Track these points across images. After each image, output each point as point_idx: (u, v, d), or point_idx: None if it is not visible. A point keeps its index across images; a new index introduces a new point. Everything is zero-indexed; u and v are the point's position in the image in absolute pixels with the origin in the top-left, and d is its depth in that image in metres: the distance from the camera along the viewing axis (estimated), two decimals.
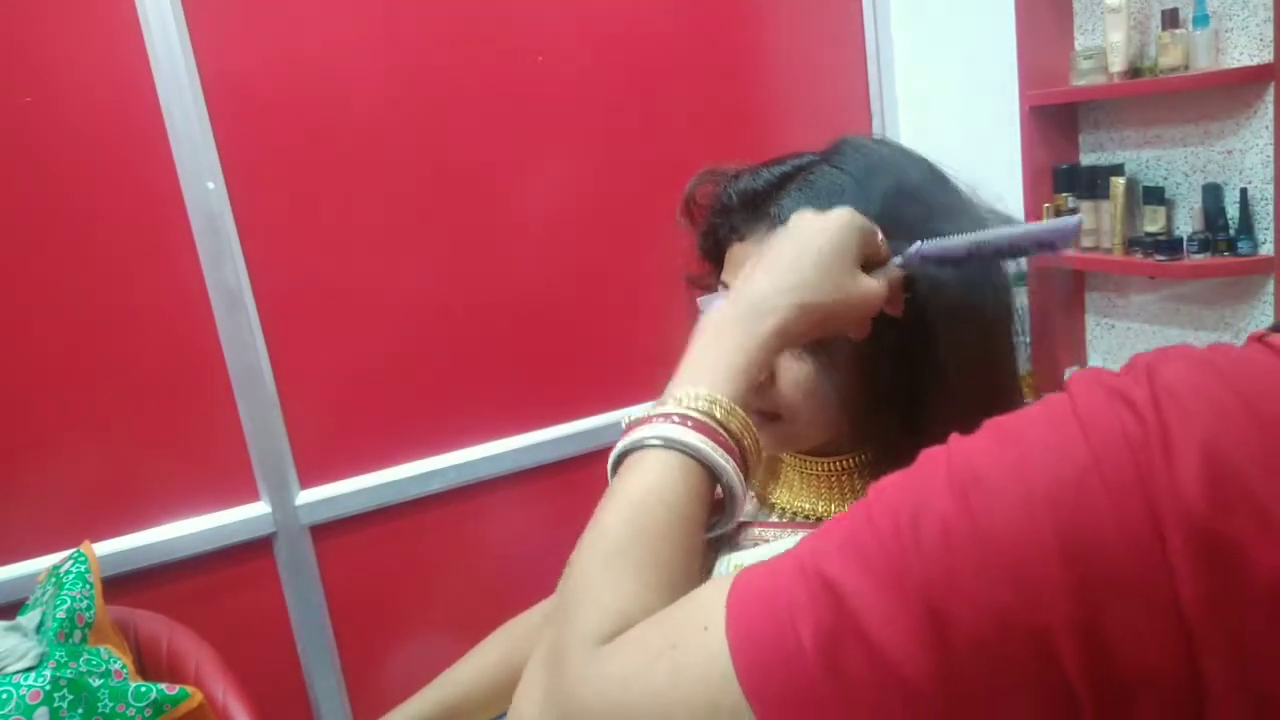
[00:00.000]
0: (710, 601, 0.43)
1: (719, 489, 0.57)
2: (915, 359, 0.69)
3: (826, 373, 0.71)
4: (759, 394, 0.74)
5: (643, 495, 0.53)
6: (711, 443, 0.54)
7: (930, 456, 0.42)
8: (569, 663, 0.46)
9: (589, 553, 0.52)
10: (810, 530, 0.77)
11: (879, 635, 0.37)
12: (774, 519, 0.84)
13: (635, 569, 0.50)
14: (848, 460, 0.78)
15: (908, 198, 0.70)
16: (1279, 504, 0.34)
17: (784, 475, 0.84)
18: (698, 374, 0.57)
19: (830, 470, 0.79)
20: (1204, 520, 0.34)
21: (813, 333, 0.61)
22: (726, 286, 0.75)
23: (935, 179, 0.74)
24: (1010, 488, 0.37)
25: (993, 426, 0.41)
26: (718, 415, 0.55)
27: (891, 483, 0.42)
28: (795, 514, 0.82)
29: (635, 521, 0.52)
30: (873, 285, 0.61)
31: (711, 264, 0.81)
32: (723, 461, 0.54)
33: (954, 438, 0.42)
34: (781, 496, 0.84)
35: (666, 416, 0.55)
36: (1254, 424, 0.35)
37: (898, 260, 0.64)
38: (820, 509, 0.80)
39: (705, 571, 0.84)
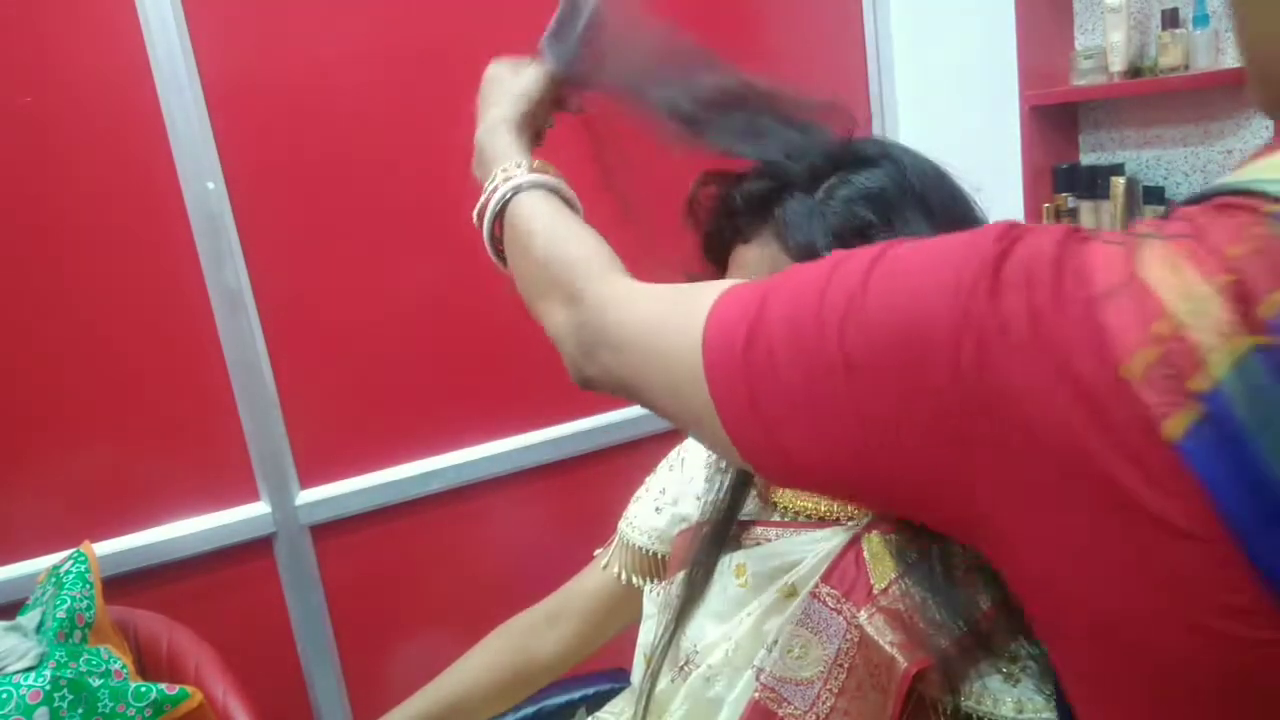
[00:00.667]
0: (704, 296, 0.51)
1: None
2: None
3: None
4: None
5: (538, 212, 0.73)
6: (541, 175, 0.78)
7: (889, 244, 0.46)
8: (589, 289, 0.64)
9: (535, 253, 0.69)
10: (814, 528, 0.78)
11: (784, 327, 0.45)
12: (776, 518, 0.84)
13: (578, 239, 0.69)
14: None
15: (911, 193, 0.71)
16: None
17: None
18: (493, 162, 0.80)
19: None
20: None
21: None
22: None
23: (933, 175, 0.74)
24: (921, 260, 0.41)
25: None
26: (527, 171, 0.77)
27: (860, 252, 0.47)
28: (798, 513, 0.82)
29: (549, 223, 0.72)
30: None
31: (714, 265, 0.80)
32: (553, 180, 0.77)
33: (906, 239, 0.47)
34: (784, 496, 0.84)
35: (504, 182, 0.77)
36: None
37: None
38: (823, 508, 0.80)
39: (709, 569, 0.84)
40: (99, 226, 1.38)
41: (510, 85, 0.83)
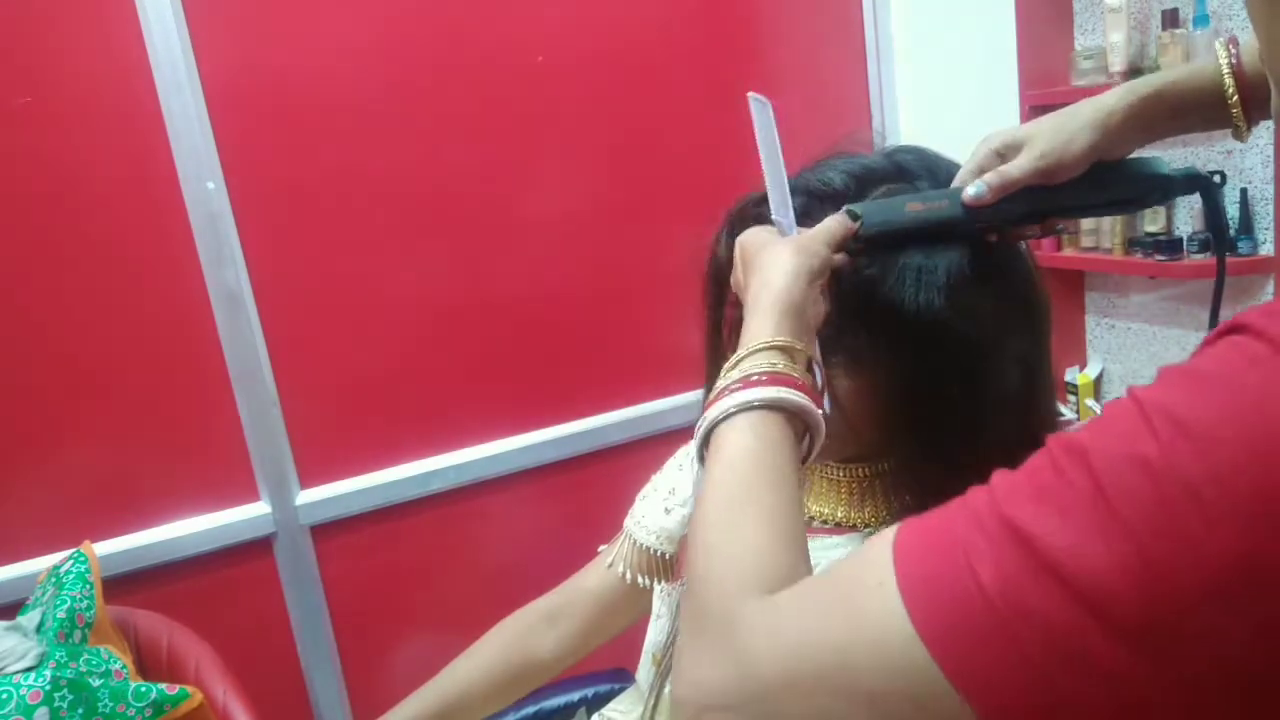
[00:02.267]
0: (877, 557, 0.43)
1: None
2: (953, 395, 0.68)
3: (862, 390, 0.71)
4: None
5: (738, 459, 0.55)
6: (776, 387, 0.56)
7: (1116, 409, 0.41)
8: (738, 618, 0.46)
9: (706, 523, 0.54)
10: (830, 534, 0.77)
11: (1076, 572, 0.36)
12: None
13: (754, 524, 0.51)
14: (872, 467, 0.78)
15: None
16: None
17: (806, 479, 0.84)
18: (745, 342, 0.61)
19: (854, 477, 0.79)
20: None
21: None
22: None
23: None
24: (1226, 434, 0.36)
25: (1177, 373, 0.40)
26: (763, 365, 0.58)
27: (1074, 435, 0.42)
28: (814, 518, 0.82)
29: (739, 485, 0.54)
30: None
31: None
32: (788, 395, 0.56)
33: (1132, 388, 0.41)
34: (804, 501, 0.84)
35: (729, 389, 0.58)
36: None
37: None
38: (840, 514, 0.80)
39: None
40: (99, 227, 1.38)
41: (802, 241, 0.64)
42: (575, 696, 1.24)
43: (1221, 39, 0.67)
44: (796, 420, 0.57)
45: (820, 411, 0.58)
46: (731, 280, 0.71)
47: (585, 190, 1.71)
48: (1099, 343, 2.19)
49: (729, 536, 0.51)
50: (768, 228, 0.68)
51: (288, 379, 1.51)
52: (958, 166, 0.75)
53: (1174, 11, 1.80)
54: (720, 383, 0.59)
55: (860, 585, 0.42)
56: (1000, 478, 0.43)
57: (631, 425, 1.77)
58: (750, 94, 0.69)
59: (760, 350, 0.58)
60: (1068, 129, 0.65)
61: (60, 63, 1.33)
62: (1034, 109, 2.07)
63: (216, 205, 1.42)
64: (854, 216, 0.65)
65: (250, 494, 1.52)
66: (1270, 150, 1.76)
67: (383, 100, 1.53)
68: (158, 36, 1.36)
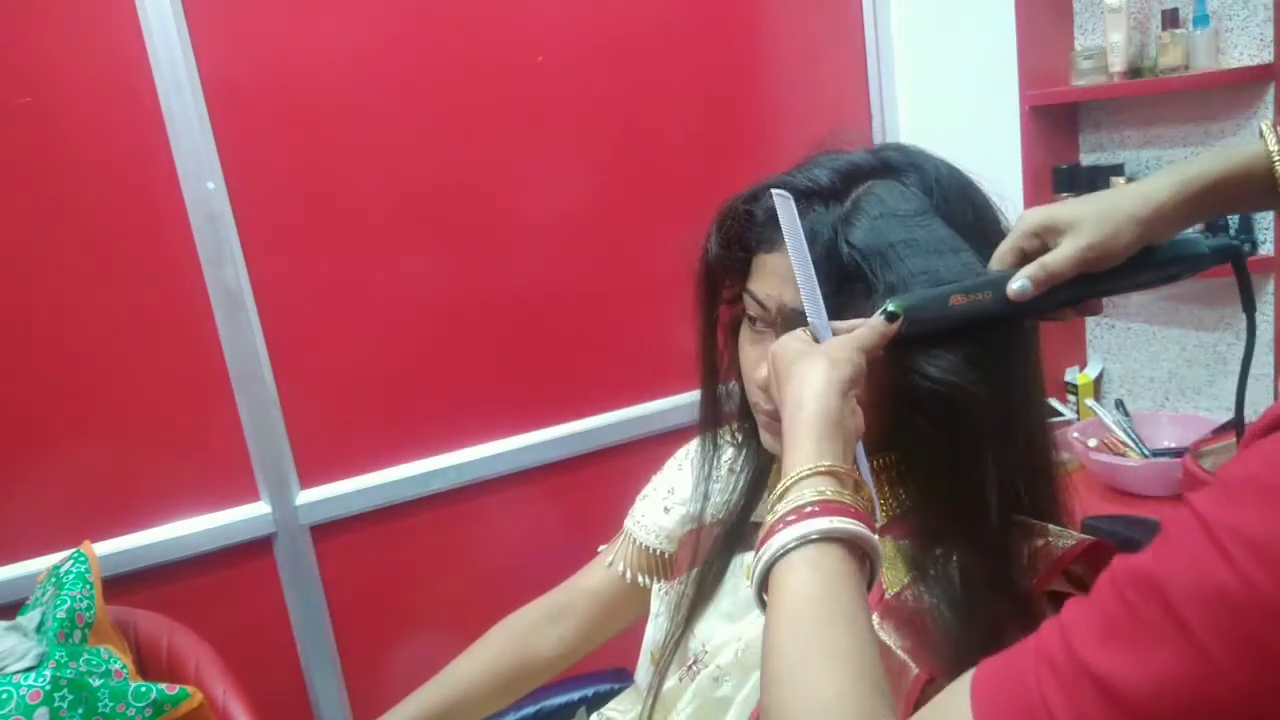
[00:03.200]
0: (956, 710, 0.43)
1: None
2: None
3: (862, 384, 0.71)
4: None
5: (802, 602, 0.54)
6: (829, 517, 0.55)
7: (1178, 527, 0.40)
8: None
9: (779, 678, 0.52)
10: None
11: (1162, 713, 0.36)
12: None
13: (830, 672, 0.50)
14: (871, 462, 0.78)
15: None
16: None
17: None
18: (788, 469, 0.59)
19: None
20: None
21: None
22: (753, 295, 0.75)
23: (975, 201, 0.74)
24: None
25: (1238, 485, 0.39)
26: (812, 495, 0.56)
27: (1140, 561, 0.41)
28: None
29: (809, 630, 0.52)
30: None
31: (736, 272, 0.79)
32: (844, 525, 0.55)
33: (1190, 499, 0.40)
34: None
35: (783, 520, 0.56)
36: None
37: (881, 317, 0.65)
38: None
39: (721, 569, 0.84)
40: (99, 226, 1.38)
41: (834, 351, 0.63)
42: (575, 696, 1.24)
43: (1268, 122, 0.66)
44: (855, 548, 0.56)
45: (877, 536, 0.56)
46: (763, 385, 0.71)
47: (585, 190, 1.71)
48: (1099, 343, 2.19)
49: (805, 692, 0.50)
50: (800, 334, 0.67)
51: (288, 379, 1.51)
52: (946, 165, 0.75)
53: (1174, 11, 1.80)
54: (769, 517, 0.57)
55: None
56: (1071, 613, 0.42)
57: (631, 425, 1.77)
58: (774, 190, 0.68)
59: (806, 477, 0.57)
60: (1113, 220, 0.64)
61: (60, 63, 1.32)
62: (1034, 109, 2.07)
63: (216, 205, 1.42)
64: (893, 317, 0.64)
65: (250, 494, 1.52)
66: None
67: (383, 100, 1.53)
68: (158, 36, 1.36)
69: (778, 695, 0.51)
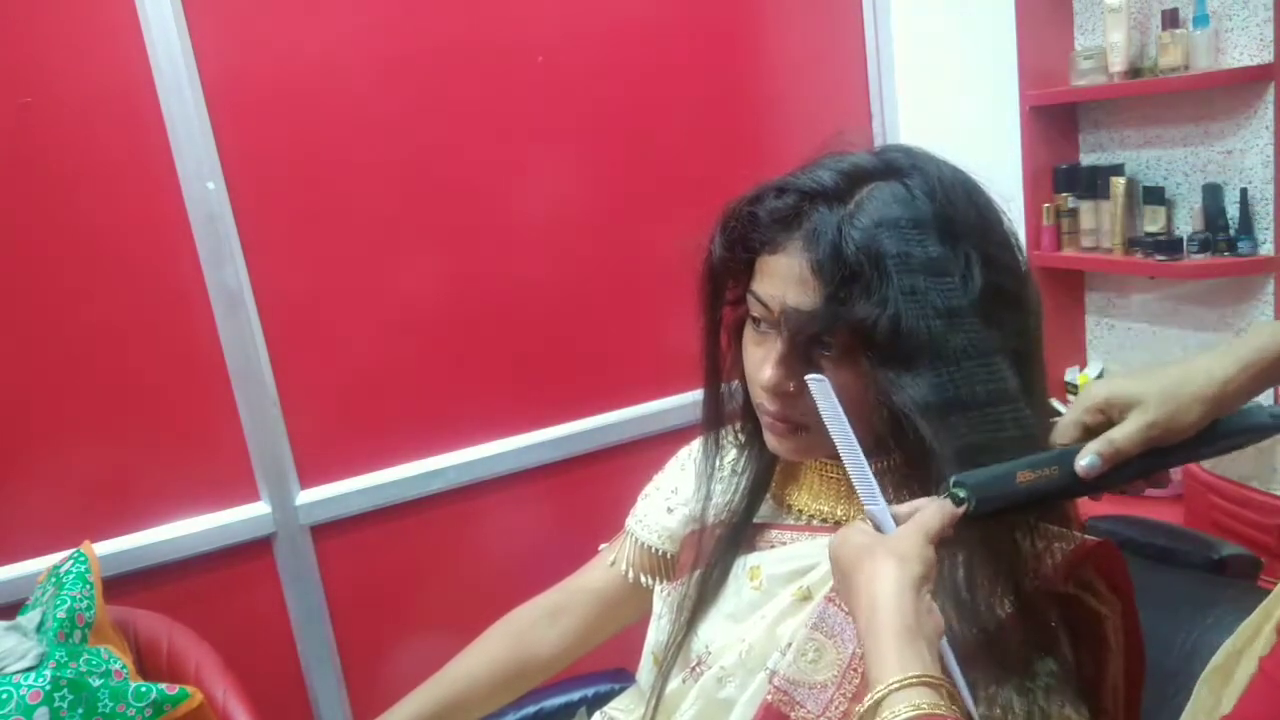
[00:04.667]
0: None
1: None
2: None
3: (858, 385, 0.71)
4: (788, 404, 0.74)
5: None
6: None
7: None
8: None
9: None
10: (830, 533, 0.77)
11: None
12: (791, 521, 0.84)
13: None
14: (875, 465, 0.78)
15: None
16: None
17: (803, 477, 0.84)
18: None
19: None
20: None
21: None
22: (757, 298, 0.75)
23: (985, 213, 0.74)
24: None
25: None
26: (909, 710, 0.54)
27: None
28: (813, 516, 0.82)
29: None
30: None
31: (739, 273, 0.79)
32: None
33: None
34: (800, 498, 0.84)
35: None
36: None
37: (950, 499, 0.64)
38: (839, 512, 0.80)
39: (724, 571, 0.84)
40: (99, 226, 1.38)
41: (903, 548, 0.61)
42: (575, 696, 1.24)
43: None
44: None
45: None
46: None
47: (585, 190, 1.71)
48: (1099, 343, 2.19)
49: None
50: (861, 526, 0.64)
51: (288, 379, 1.51)
52: (949, 167, 0.75)
53: (1174, 11, 1.81)
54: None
55: None
56: None
57: (631, 425, 1.77)
58: (808, 377, 0.66)
59: (898, 690, 0.55)
60: (1179, 399, 0.64)
61: (60, 63, 1.32)
62: (1034, 109, 2.07)
63: (216, 205, 1.42)
64: (958, 500, 0.63)
65: (250, 494, 1.52)
66: (1270, 150, 1.76)
67: (383, 100, 1.53)
68: (158, 36, 1.36)
69: None
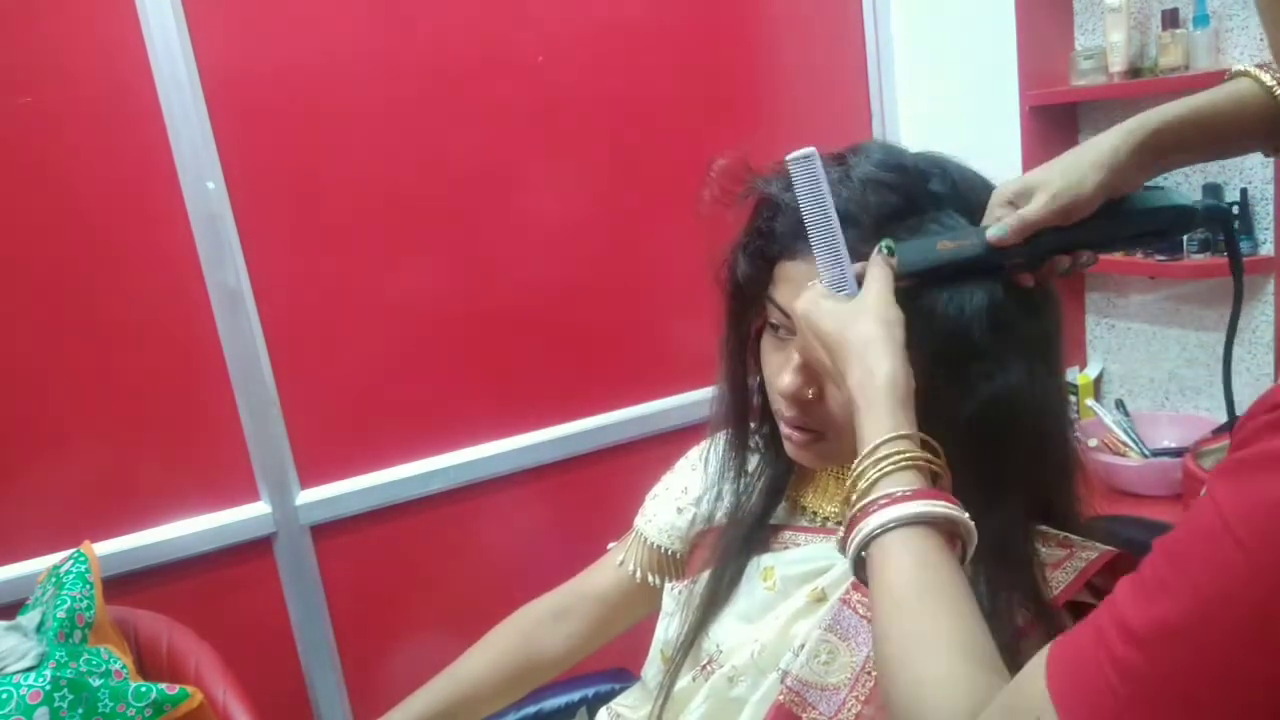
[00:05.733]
0: (1034, 690, 0.46)
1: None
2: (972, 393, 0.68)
3: None
4: (806, 411, 0.74)
5: (903, 586, 0.56)
6: (919, 501, 0.57)
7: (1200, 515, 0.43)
8: None
9: (890, 657, 0.55)
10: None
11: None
12: (804, 523, 0.84)
13: (935, 652, 0.53)
14: None
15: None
16: None
17: (818, 479, 0.85)
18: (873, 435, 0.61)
19: None
20: None
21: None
22: (775, 303, 0.76)
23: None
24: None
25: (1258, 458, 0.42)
26: (900, 462, 0.59)
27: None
28: (827, 518, 0.82)
29: (910, 612, 0.55)
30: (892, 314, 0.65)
31: (759, 282, 0.80)
32: (938, 509, 0.57)
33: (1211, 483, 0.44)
34: (814, 500, 0.84)
35: (875, 504, 0.58)
36: None
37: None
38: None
39: (738, 571, 0.84)
40: (99, 226, 1.38)
41: (879, 309, 0.64)
42: (575, 696, 1.24)
43: (1243, 66, 0.69)
44: (946, 530, 0.58)
45: (967, 516, 0.59)
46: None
47: (585, 190, 1.71)
48: (1099, 343, 2.19)
49: (916, 673, 0.53)
50: (824, 291, 0.68)
51: (288, 379, 1.51)
52: (959, 166, 0.75)
53: (1174, 11, 1.80)
54: (858, 500, 0.59)
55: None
56: (1119, 585, 0.46)
57: (631, 425, 1.77)
58: (788, 157, 0.70)
59: (889, 442, 0.59)
60: (1078, 169, 0.67)
61: (60, 63, 1.32)
62: (1034, 109, 2.07)
63: (216, 205, 1.42)
64: (890, 251, 0.67)
65: (250, 494, 1.52)
66: None
67: (383, 100, 1.53)
68: (158, 36, 1.36)
69: (890, 681, 0.54)
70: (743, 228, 0.80)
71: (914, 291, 0.68)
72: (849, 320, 0.64)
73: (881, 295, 0.65)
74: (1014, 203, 0.69)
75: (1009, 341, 0.68)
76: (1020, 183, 0.69)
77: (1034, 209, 0.67)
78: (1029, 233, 0.67)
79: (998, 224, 0.67)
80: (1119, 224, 0.69)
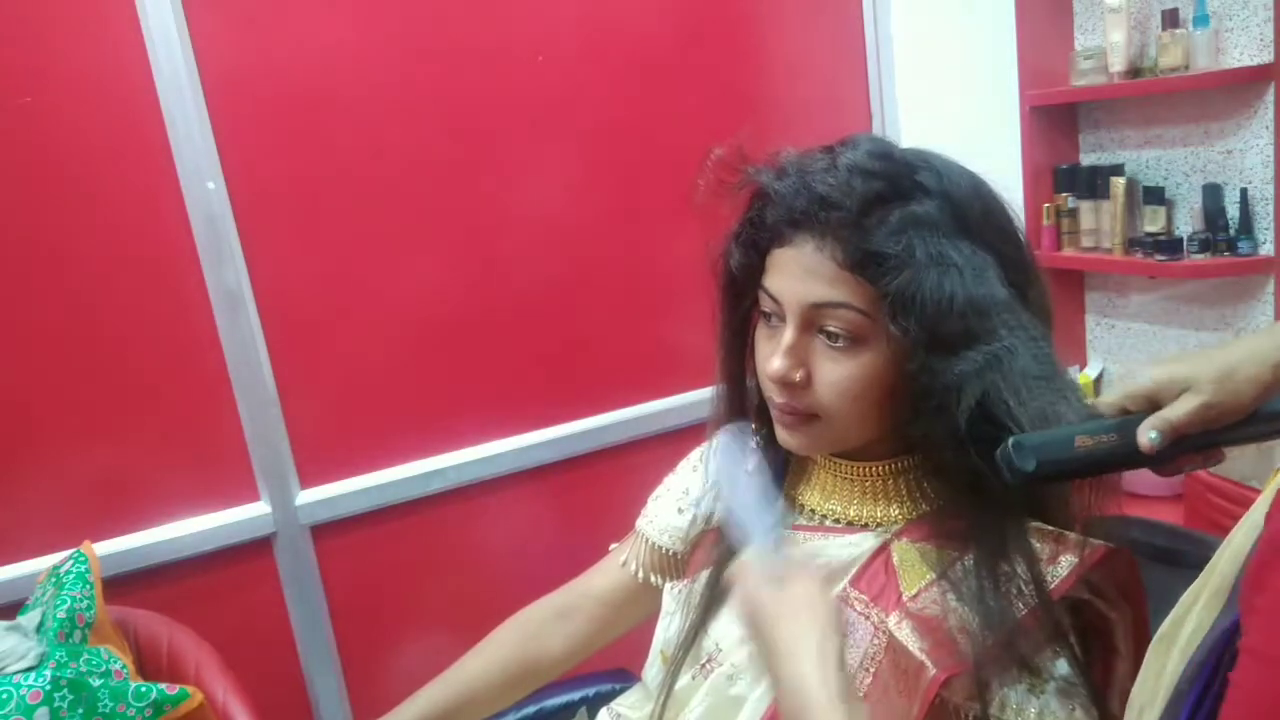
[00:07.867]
0: None
1: None
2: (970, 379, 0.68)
3: (866, 375, 0.71)
4: (796, 394, 0.75)
5: None
6: None
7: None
8: None
9: None
10: (843, 534, 0.78)
11: None
12: (803, 521, 0.84)
13: None
14: (889, 465, 0.78)
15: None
16: None
17: (815, 476, 0.85)
18: None
19: (868, 474, 0.79)
20: None
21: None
22: (767, 291, 0.76)
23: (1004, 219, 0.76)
24: None
25: None
26: None
27: None
28: (825, 516, 0.83)
29: None
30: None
31: (753, 273, 0.80)
32: None
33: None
34: (811, 498, 0.84)
35: None
36: None
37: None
38: (853, 513, 0.80)
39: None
40: (99, 226, 1.38)
41: (820, 603, 0.66)
42: (575, 696, 1.24)
43: None
44: None
45: None
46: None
47: (586, 190, 1.71)
48: (1099, 343, 2.19)
49: None
50: (761, 569, 0.69)
51: (288, 379, 1.51)
52: (962, 168, 0.75)
53: (1174, 11, 1.81)
54: None
55: None
56: None
57: (631, 425, 1.77)
58: (719, 431, 0.74)
59: None
60: (1234, 381, 0.65)
61: (60, 63, 1.32)
62: (1034, 109, 2.07)
63: (216, 205, 1.42)
64: (1012, 462, 0.64)
65: (250, 494, 1.52)
66: (1270, 150, 1.76)
67: (383, 100, 1.53)
68: (158, 36, 1.36)
69: None
70: (737, 219, 0.81)
71: (907, 290, 0.67)
72: (791, 617, 0.65)
73: (816, 587, 0.66)
74: (1152, 397, 0.66)
75: (995, 299, 0.68)
76: (1165, 375, 0.66)
77: (1184, 416, 0.65)
78: (1176, 439, 0.65)
79: (1149, 429, 0.65)
80: (1261, 428, 0.68)
